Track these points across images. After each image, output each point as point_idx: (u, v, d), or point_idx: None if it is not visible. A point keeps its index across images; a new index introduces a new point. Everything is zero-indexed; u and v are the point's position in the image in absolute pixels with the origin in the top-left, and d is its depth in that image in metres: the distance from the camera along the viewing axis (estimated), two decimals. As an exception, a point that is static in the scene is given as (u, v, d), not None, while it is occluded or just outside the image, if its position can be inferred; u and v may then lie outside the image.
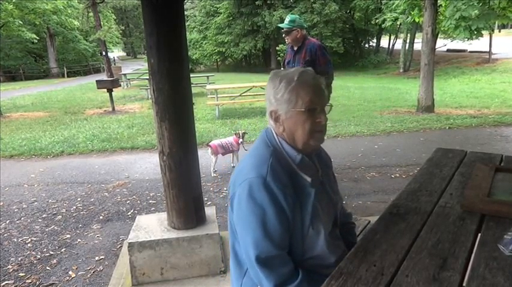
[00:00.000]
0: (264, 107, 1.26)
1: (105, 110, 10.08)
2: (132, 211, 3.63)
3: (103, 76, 20.27)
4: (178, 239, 2.33)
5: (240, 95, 9.43)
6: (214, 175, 4.46)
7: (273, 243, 1.10)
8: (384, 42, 30.17)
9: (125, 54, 63.15)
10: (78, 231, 3.26)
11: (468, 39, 14.76)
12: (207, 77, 13.21)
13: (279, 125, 1.18)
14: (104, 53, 19.43)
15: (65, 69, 27.70)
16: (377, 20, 20.92)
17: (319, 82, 1.17)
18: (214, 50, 25.75)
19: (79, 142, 6.38)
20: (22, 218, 3.56)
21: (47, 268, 2.70)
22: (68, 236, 3.17)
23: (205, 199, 3.68)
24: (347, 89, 13.37)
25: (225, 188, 4.05)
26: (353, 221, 1.47)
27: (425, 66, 8.07)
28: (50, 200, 3.97)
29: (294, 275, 1.13)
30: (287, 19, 3.59)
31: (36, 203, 3.93)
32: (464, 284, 1.02)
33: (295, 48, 3.66)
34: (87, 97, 13.33)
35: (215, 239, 2.38)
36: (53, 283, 2.52)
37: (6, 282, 2.54)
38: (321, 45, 3.58)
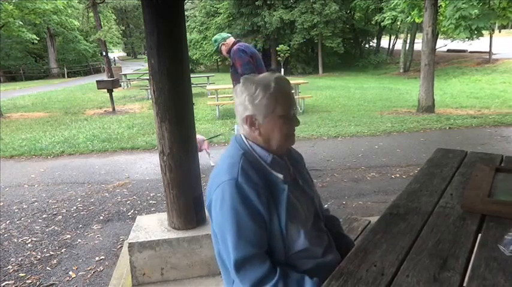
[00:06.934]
0: None
1: (105, 111, 10.08)
2: (132, 211, 3.63)
3: (103, 76, 20.32)
4: (179, 239, 2.33)
5: (240, 95, 9.42)
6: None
7: (249, 243, 1.11)
8: (384, 42, 30.17)
9: (125, 54, 63.13)
10: (78, 231, 3.26)
11: (468, 39, 14.80)
12: (208, 77, 13.25)
13: (254, 129, 1.21)
14: (104, 53, 19.48)
15: (65, 69, 27.73)
16: (377, 19, 20.91)
17: (291, 88, 1.27)
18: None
19: (79, 142, 6.38)
20: (22, 219, 3.56)
21: (47, 268, 2.70)
22: (68, 236, 3.17)
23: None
24: (347, 89, 13.38)
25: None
26: (333, 215, 1.51)
27: (426, 66, 8.07)
28: (50, 201, 3.97)
29: (271, 275, 1.12)
30: (213, 41, 3.97)
31: (36, 203, 3.93)
32: (464, 285, 1.01)
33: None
34: (88, 97, 13.34)
35: (215, 240, 2.37)
36: (53, 283, 2.52)
37: (7, 282, 2.54)
38: (237, 49, 3.71)
